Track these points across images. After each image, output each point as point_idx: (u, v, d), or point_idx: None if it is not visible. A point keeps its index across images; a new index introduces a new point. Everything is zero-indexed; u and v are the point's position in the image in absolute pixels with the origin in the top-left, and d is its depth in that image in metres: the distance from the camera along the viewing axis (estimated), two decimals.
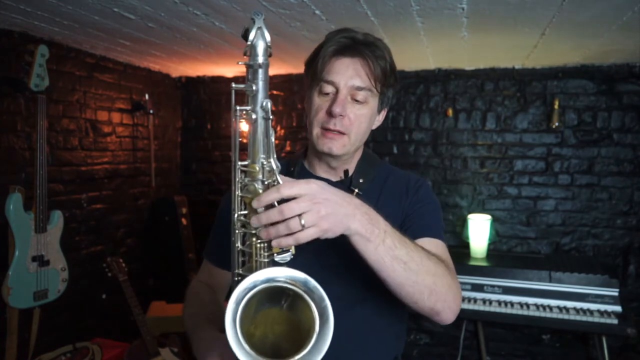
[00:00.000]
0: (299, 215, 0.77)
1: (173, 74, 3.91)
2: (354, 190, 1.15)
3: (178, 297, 3.44)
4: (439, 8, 2.04)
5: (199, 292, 1.18)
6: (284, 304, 0.81)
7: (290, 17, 2.22)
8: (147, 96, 3.53)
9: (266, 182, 0.82)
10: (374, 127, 1.18)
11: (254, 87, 0.81)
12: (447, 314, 0.96)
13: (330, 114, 1.06)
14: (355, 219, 0.83)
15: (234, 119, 0.83)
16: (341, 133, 1.08)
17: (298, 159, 1.23)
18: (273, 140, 0.83)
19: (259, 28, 0.80)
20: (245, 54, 0.81)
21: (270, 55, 0.82)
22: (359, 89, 1.07)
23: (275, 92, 3.80)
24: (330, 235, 0.81)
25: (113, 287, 2.79)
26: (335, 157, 1.11)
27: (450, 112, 3.37)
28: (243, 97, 0.85)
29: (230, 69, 3.66)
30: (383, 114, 1.19)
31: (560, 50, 2.80)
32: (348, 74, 1.06)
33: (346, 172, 1.18)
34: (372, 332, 1.11)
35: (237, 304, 0.74)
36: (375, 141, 3.54)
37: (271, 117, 0.82)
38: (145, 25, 2.39)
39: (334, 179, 1.19)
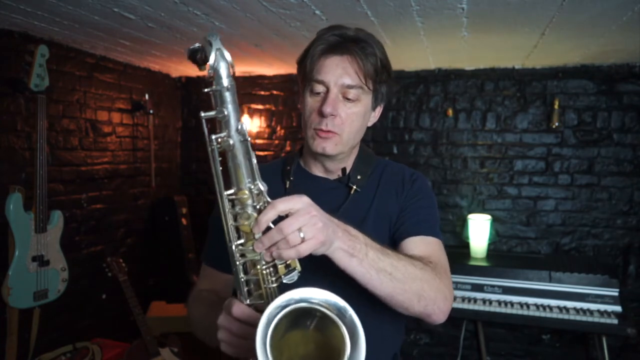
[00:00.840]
0: (299, 229, 0.76)
1: (173, 74, 3.91)
2: (352, 187, 1.15)
3: (178, 297, 3.44)
4: (439, 8, 2.04)
5: (206, 297, 1.15)
6: (310, 325, 0.79)
7: (290, 17, 2.22)
8: (147, 96, 3.53)
9: (257, 206, 0.80)
10: (370, 124, 1.17)
11: (225, 112, 0.77)
12: (438, 315, 0.98)
13: (321, 114, 1.05)
14: (337, 235, 0.83)
15: (210, 149, 0.79)
16: (333, 133, 1.07)
17: (294, 157, 1.23)
18: (255, 161, 0.80)
19: (218, 49, 0.76)
20: (209, 79, 0.77)
21: (234, 75, 0.78)
22: (350, 87, 1.06)
23: (275, 92, 3.80)
24: (322, 250, 0.81)
25: (113, 287, 2.79)
26: (329, 157, 1.11)
27: (450, 112, 3.37)
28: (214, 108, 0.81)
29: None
30: (379, 110, 1.18)
31: (560, 50, 2.80)
32: (337, 73, 1.05)
33: (344, 170, 1.17)
34: (370, 330, 1.11)
35: (268, 325, 0.71)
36: (375, 141, 3.54)
37: (249, 138, 0.79)
38: (145, 25, 2.39)
39: (331, 177, 1.19)
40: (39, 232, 2.35)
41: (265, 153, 3.87)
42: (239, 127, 0.78)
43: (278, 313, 0.72)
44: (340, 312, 0.75)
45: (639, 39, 2.44)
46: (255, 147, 3.88)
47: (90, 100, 3.08)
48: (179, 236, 3.63)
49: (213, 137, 0.79)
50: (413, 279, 0.92)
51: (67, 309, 2.85)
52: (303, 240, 0.76)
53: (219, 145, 0.79)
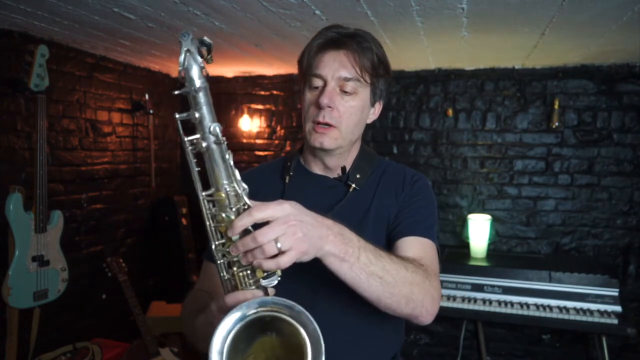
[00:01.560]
0: (276, 240, 0.76)
1: (173, 74, 3.91)
2: (351, 186, 1.15)
3: (178, 297, 3.44)
4: (439, 8, 2.04)
5: (200, 297, 1.14)
6: (270, 330, 0.80)
7: (290, 17, 2.22)
8: (147, 96, 3.53)
9: (234, 208, 0.80)
10: (369, 121, 1.18)
11: (196, 115, 0.76)
12: (425, 317, 0.98)
13: (318, 105, 1.07)
14: (328, 240, 0.82)
15: (186, 150, 0.80)
16: (331, 126, 1.07)
17: (294, 155, 1.23)
18: (232, 162, 0.80)
19: (187, 51, 0.74)
20: (182, 80, 0.76)
21: (207, 76, 0.77)
22: (347, 79, 1.07)
23: (275, 92, 3.80)
24: (307, 258, 0.81)
25: (113, 287, 2.79)
26: (327, 151, 1.11)
27: (450, 112, 3.37)
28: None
29: (230, 69, 3.66)
30: (378, 107, 1.18)
31: (560, 50, 2.80)
32: (334, 66, 1.07)
33: (343, 169, 1.17)
34: (369, 331, 1.11)
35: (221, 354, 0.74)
36: (375, 141, 3.54)
37: (222, 140, 0.78)
38: (145, 25, 2.39)
39: (331, 176, 1.19)
40: (39, 232, 2.35)
41: (265, 153, 3.87)
42: (212, 128, 0.77)
43: (225, 342, 0.75)
44: (283, 306, 0.77)
45: (639, 39, 2.44)
46: (255, 147, 3.88)
47: (90, 100, 3.07)
48: (179, 236, 3.63)
49: (186, 139, 0.79)
50: (404, 282, 0.91)
51: (67, 309, 2.85)
52: (280, 251, 0.76)
53: (193, 147, 0.79)
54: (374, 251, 0.89)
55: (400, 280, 0.91)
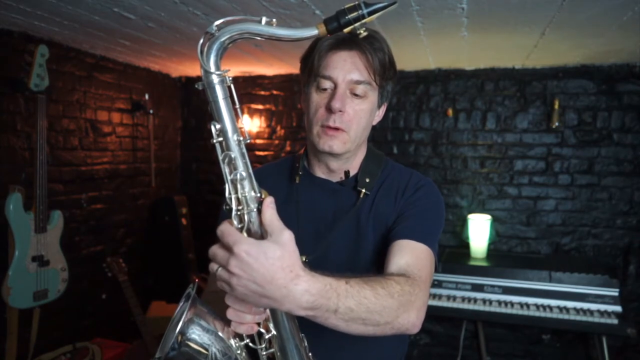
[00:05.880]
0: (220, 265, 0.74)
1: (173, 74, 3.91)
2: (361, 191, 1.12)
3: (178, 297, 3.44)
4: (439, 8, 2.04)
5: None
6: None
7: (290, 17, 2.22)
8: (147, 96, 3.53)
9: (238, 212, 0.79)
10: (374, 123, 1.15)
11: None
12: (412, 329, 0.92)
13: (329, 109, 1.03)
14: (288, 300, 0.72)
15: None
16: (341, 130, 1.04)
17: (300, 157, 1.20)
18: (222, 166, 0.80)
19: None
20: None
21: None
22: (358, 82, 1.03)
23: (275, 92, 3.80)
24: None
25: (113, 287, 2.79)
26: (335, 156, 1.08)
27: (450, 112, 3.37)
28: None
29: (230, 69, 3.66)
30: (383, 109, 1.16)
31: (560, 50, 2.80)
32: (346, 68, 1.03)
33: (347, 173, 1.14)
34: (374, 339, 1.10)
35: None
36: (375, 141, 3.54)
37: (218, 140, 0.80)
38: (145, 25, 2.39)
39: (334, 179, 1.16)
40: (39, 232, 2.35)
41: (265, 153, 3.87)
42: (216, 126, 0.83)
43: None
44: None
45: (639, 39, 2.44)
46: (255, 147, 3.88)
47: (90, 100, 3.07)
48: (179, 236, 3.63)
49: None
50: (389, 312, 0.84)
51: (67, 309, 2.85)
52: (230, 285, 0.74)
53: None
54: (357, 294, 0.79)
55: (385, 312, 0.84)
